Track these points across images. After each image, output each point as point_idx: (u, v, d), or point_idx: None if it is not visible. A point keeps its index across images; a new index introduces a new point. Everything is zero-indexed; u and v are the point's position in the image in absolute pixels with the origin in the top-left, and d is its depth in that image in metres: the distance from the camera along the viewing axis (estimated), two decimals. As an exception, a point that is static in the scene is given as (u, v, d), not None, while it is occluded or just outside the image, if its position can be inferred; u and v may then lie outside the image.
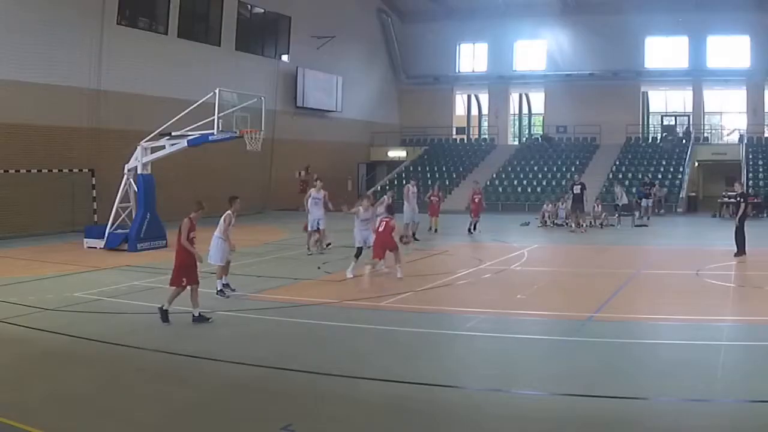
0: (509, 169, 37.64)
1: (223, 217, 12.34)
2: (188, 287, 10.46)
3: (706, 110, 40.77)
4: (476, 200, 23.84)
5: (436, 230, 23.57)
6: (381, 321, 10.61)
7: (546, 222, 25.92)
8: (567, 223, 25.71)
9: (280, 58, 34.75)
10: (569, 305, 11.74)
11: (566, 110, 40.09)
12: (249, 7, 32.82)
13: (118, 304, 11.83)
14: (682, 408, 6.77)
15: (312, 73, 35.85)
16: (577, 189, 24.28)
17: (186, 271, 10.42)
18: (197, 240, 10.68)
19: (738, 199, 18.58)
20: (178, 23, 28.38)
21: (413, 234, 20.81)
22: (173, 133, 19.32)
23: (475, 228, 23.25)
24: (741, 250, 16.71)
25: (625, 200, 27.99)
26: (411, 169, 39.20)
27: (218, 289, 12.43)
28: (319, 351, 9.02)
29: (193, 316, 10.42)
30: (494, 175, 37.21)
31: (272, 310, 11.26)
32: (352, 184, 39.50)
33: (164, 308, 10.29)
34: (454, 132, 44.43)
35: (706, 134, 40.02)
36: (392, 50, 42.99)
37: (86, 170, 24.33)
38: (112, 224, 19.46)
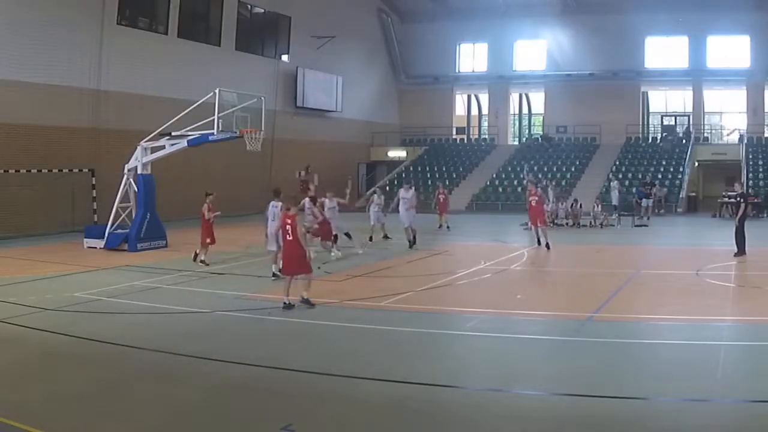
0: (509, 169, 37.65)
1: (279, 208, 13.61)
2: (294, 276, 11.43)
3: (706, 110, 40.77)
4: (532, 203, 19.07)
5: (445, 227, 24.07)
6: (381, 321, 10.60)
7: (546, 222, 25.91)
8: (567, 223, 25.81)
9: (280, 58, 34.75)
10: (569, 305, 11.74)
11: (566, 110, 40.11)
12: (249, 7, 32.82)
13: (118, 304, 11.83)
14: (682, 408, 6.77)
15: (312, 73, 35.86)
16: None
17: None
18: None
19: (738, 199, 18.59)
20: (178, 23, 28.39)
21: (411, 240, 19.60)
22: (173, 133, 19.32)
23: (539, 242, 18.86)
24: (741, 250, 16.71)
25: (615, 201, 28.12)
26: (411, 169, 39.24)
27: (273, 272, 13.92)
28: (319, 351, 9.02)
29: (302, 298, 11.33)
30: (494, 175, 37.23)
31: (272, 310, 11.26)
32: (352, 184, 39.44)
33: (287, 302, 11.12)
34: (454, 132, 44.45)
35: (706, 134, 40.04)
36: (392, 50, 42.99)
37: (86, 170, 24.34)
38: (112, 224, 19.46)
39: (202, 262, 16.00)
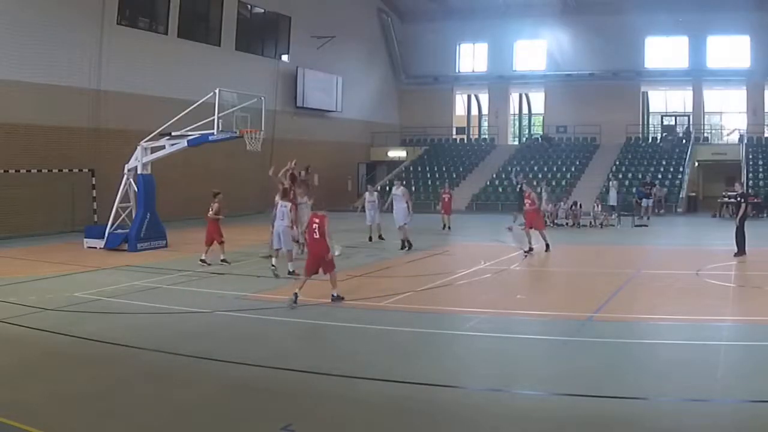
0: (509, 169, 37.60)
1: (289, 208, 14.26)
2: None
3: (706, 110, 40.80)
4: (529, 209, 18.45)
5: (448, 228, 23.93)
6: (381, 321, 10.59)
7: (546, 222, 25.91)
8: (567, 224, 25.83)
9: (280, 58, 34.76)
10: (569, 305, 11.73)
11: (566, 110, 40.12)
12: (249, 7, 32.83)
13: (118, 304, 11.83)
14: (682, 408, 6.76)
15: (312, 73, 35.86)
16: (517, 188, 24.75)
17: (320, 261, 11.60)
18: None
19: (738, 199, 18.60)
20: (178, 23, 28.40)
21: (404, 240, 18.92)
22: (173, 133, 19.32)
23: (530, 247, 18.04)
24: (741, 250, 16.71)
25: (612, 201, 28.14)
26: (411, 169, 39.24)
27: (290, 270, 14.14)
28: (319, 351, 9.02)
29: (332, 296, 11.66)
30: (494, 175, 37.22)
31: (272, 310, 11.27)
32: (352, 184, 39.51)
33: (295, 298, 11.28)
34: (454, 132, 44.47)
35: (706, 134, 40.06)
36: (392, 50, 43.00)
37: (86, 170, 24.35)
38: (112, 224, 19.45)
39: (223, 260, 15.94)
